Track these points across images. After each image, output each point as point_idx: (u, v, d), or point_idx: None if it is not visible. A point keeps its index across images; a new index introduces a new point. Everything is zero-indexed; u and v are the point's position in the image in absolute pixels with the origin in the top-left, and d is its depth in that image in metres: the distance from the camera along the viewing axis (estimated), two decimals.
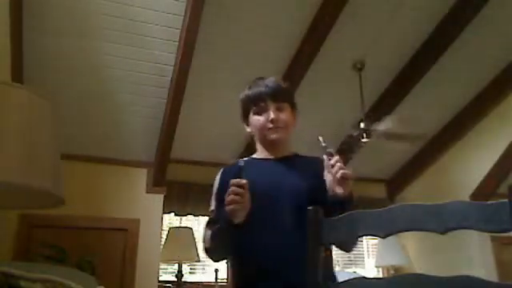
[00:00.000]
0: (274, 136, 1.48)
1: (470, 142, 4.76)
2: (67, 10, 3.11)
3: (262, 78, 1.57)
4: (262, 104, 1.49)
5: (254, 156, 1.59)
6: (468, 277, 0.84)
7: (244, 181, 1.28)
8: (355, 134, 3.93)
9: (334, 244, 1.36)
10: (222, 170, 1.58)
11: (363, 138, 3.87)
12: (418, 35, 3.91)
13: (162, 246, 4.12)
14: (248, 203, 1.31)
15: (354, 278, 1.03)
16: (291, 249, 1.30)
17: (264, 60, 3.82)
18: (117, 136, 4.05)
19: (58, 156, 1.43)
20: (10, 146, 1.26)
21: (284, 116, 1.49)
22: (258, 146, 1.58)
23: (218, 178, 1.57)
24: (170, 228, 4.24)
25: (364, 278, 1.03)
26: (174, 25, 3.29)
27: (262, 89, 1.50)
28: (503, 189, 4.22)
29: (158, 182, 4.26)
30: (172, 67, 3.53)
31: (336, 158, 1.32)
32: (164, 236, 4.20)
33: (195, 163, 4.62)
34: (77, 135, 3.84)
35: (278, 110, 1.49)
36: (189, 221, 4.66)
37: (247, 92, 1.54)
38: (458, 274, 0.86)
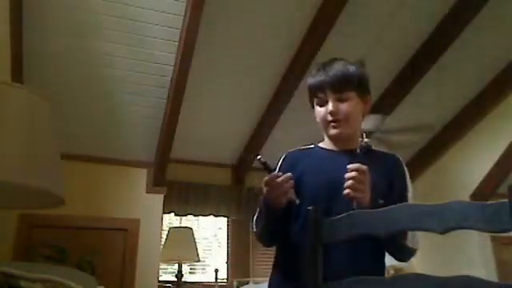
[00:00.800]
0: (333, 131, 1.37)
1: (469, 142, 4.76)
2: (67, 10, 3.11)
3: (326, 63, 1.44)
4: (322, 95, 1.37)
5: (320, 144, 1.48)
6: (468, 277, 0.84)
7: (281, 174, 1.25)
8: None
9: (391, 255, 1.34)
10: (284, 156, 1.49)
11: (363, 137, 3.86)
12: (418, 35, 3.91)
13: (161, 246, 4.12)
14: (287, 193, 1.26)
15: (354, 278, 1.03)
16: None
17: (264, 60, 3.82)
18: (117, 136, 4.04)
19: (58, 156, 1.43)
20: (10, 145, 1.26)
21: (345, 107, 1.35)
22: (325, 136, 1.46)
23: (280, 162, 1.47)
24: (169, 228, 4.24)
25: (363, 277, 1.03)
26: (174, 25, 3.29)
27: (322, 77, 1.38)
28: (503, 189, 4.21)
29: (157, 181, 4.26)
30: (172, 67, 3.53)
31: (353, 166, 1.21)
32: (164, 236, 4.20)
33: (195, 163, 4.63)
34: (77, 135, 3.84)
35: (339, 100, 1.35)
36: (189, 221, 4.66)
37: (310, 80, 1.43)
38: (458, 274, 0.86)
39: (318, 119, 1.41)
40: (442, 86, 4.32)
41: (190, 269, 4.61)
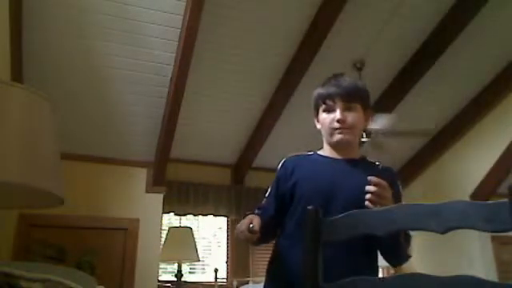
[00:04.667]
0: (338, 137, 1.44)
1: (469, 141, 4.76)
2: (67, 10, 3.11)
3: (336, 76, 1.52)
4: (331, 103, 1.45)
5: (319, 152, 1.55)
6: (468, 277, 0.84)
7: (256, 228, 1.35)
8: None
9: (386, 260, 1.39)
10: (282, 162, 1.56)
11: (363, 137, 3.86)
12: (418, 35, 3.91)
13: (161, 246, 4.12)
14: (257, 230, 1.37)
15: (354, 278, 1.03)
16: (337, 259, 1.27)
17: (264, 60, 3.82)
18: (117, 136, 4.04)
19: (58, 156, 1.43)
20: (10, 145, 1.26)
21: (351, 117, 1.44)
22: (325, 144, 1.53)
23: (278, 167, 1.55)
24: (169, 228, 4.24)
25: (363, 277, 1.03)
26: (174, 24, 3.29)
27: (333, 87, 1.46)
28: (503, 189, 4.23)
29: (157, 181, 4.26)
30: (172, 67, 3.53)
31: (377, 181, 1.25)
32: (164, 236, 4.20)
33: (195, 163, 4.63)
34: (77, 135, 3.84)
35: (347, 110, 1.44)
36: (188, 220, 4.66)
37: (320, 89, 1.50)
38: (458, 274, 0.86)
39: (321, 125, 1.48)
40: (442, 85, 4.32)
41: (190, 268, 4.61)
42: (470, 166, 4.69)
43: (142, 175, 4.26)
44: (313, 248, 1.09)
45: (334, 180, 1.41)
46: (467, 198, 4.39)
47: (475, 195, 4.48)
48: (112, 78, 3.60)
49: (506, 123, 4.36)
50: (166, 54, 3.48)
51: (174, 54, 3.45)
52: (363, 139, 3.90)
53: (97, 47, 3.36)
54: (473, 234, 4.26)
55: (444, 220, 0.89)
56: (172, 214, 4.54)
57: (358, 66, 4.01)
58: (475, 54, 4.08)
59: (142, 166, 4.26)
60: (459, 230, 0.88)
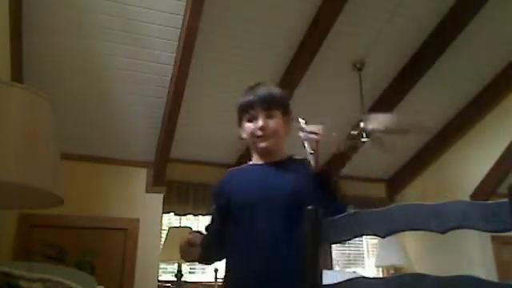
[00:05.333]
0: (262, 144, 1.51)
1: (469, 141, 4.76)
2: (67, 9, 3.11)
3: (255, 86, 1.60)
4: (253, 112, 1.52)
5: (251, 162, 1.63)
6: (468, 277, 0.84)
7: (195, 240, 1.48)
8: (355, 133, 3.93)
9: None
10: (220, 180, 1.67)
11: (363, 137, 3.86)
12: (418, 35, 3.91)
13: (161, 246, 4.12)
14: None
15: (354, 278, 1.03)
16: (275, 255, 1.37)
17: (264, 60, 3.82)
18: (117, 136, 4.05)
19: (58, 156, 1.43)
20: (10, 145, 1.26)
21: (273, 123, 1.51)
22: (253, 152, 1.62)
23: (217, 185, 1.66)
24: (169, 228, 4.24)
25: (364, 277, 1.03)
26: (174, 24, 3.29)
27: (252, 97, 1.54)
28: (503, 189, 4.22)
29: (157, 181, 4.26)
30: (172, 67, 3.53)
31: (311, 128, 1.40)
32: (164, 236, 4.20)
33: (195, 163, 4.63)
34: (77, 135, 3.84)
35: (268, 117, 1.51)
36: (188, 220, 4.65)
37: (240, 100, 1.58)
38: (458, 274, 0.86)
39: (246, 135, 1.56)
40: (442, 85, 4.32)
41: (190, 268, 4.61)
42: (469, 166, 4.69)
43: (141, 175, 4.26)
44: (313, 248, 1.09)
45: (264, 184, 1.49)
46: (467, 198, 4.39)
47: (475, 195, 4.48)
48: (112, 78, 3.60)
49: (506, 123, 4.36)
50: (166, 54, 3.48)
51: (174, 54, 3.45)
52: (363, 139, 3.90)
53: (97, 47, 3.36)
54: (473, 234, 4.26)
55: (444, 220, 0.89)
56: (172, 213, 4.54)
57: (358, 66, 4.01)
58: (475, 54, 4.08)
59: (141, 166, 4.26)
60: (459, 230, 0.88)
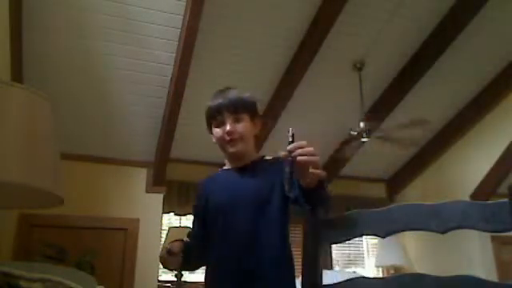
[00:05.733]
0: (231, 149, 1.52)
1: (469, 141, 4.76)
2: (67, 10, 3.11)
3: (222, 91, 1.61)
4: (220, 117, 1.53)
5: (224, 167, 1.65)
6: (468, 277, 0.84)
7: (175, 250, 1.47)
8: (355, 133, 3.94)
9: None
10: (199, 185, 1.69)
11: (363, 137, 3.87)
12: (418, 35, 3.91)
13: (161, 246, 4.12)
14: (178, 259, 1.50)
15: (354, 278, 1.03)
16: (248, 260, 1.38)
17: (264, 60, 3.82)
18: (117, 136, 4.04)
19: (58, 156, 1.43)
20: (10, 145, 1.26)
21: (241, 127, 1.51)
22: (225, 157, 1.63)
23: (196, 198, 1.69)
24: (169, 228, 4.24)
25: (364, 277, 1.03)
26: (174, 24, 3.29)
27: (220, 101, 1.54)
28: (503, 189, 4.22)
29: (157, 181, 4.26)
30: (172, 67, 3.53)
31: (294, 144, 1.17)
32: (164, 236, 4.20)
33: (195, 163, 4.62)
34: (77, 135, 3.84)
35: (236, 121, 1.51)
36: (188, 220, 4.65)
37: (208, 104, 1.58)
38: (458, 274, 0.86)
39: (215, 140, 1.56)
40: (442, 85, 4.32)
41: None
42: (469, 166, 4.69)
43: (141, 175, 4.26)
44: (313, 248, 1.09)
45: (235, 187, 1.51)
46: (467, 198, 4.38)
47: (475, 195, 4.48)
48: (112, 78, 3.60)
49: (506, 123, 4.36)
50: (166, 54, 3.48)
51: (174, 54, 3.45)
52: (363, 139, 3.90)
53: (97, 47, 3.36)
54: (473, 234, 4.26)
55: (444, 220, 0.90)
56: (172, 213, 4.54)
57: (358, 66, 4.01)
58: (475, 54, 4.08)
59: (142, 166, 4.26)
60: (459, 230, 0.89)
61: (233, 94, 1.57)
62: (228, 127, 1.50)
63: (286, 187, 1.14)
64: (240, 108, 1.53)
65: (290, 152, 1.13)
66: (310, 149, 1.14)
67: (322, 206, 1.30)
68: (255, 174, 1.50)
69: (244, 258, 1.38)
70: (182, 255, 1.50)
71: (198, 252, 1.55)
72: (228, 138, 1.50)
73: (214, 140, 1.59)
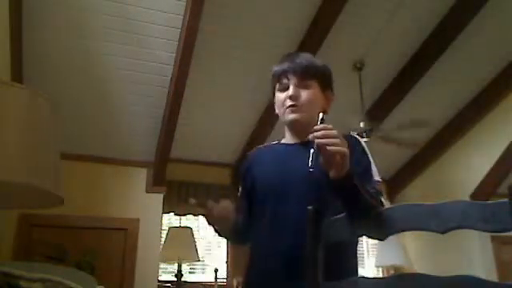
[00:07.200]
0: (290, 116, 1.32)
1: (469, 141, 4.76)
2: (67, 9, 3.11)
3: (292, 53, 1.43)
4: (285, 80, 1.34)
5: (282, 140, 1.45)
6: (468, 277, 0.84)
7: (226, 204, 1.27)
8: (355, 133, 3.94)
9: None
10: (246, 156, 1.52)
11: (363, 137, 3.87)
12: (418, 35, 3.91)
13: (161, 246, 4.12)
14: (228, 218, 1.29)
15: (354, 278, 1.03)
16: (295, 248, 1.20)
17: (264, 60, 3.82)
18: (117, 136, 4.05)
19: (58, 156, 1.43)
20: (10, 145, 1.26)
21: (306, 94, 1.31)
22: (285, 132, 1.43)
23: (243, 166, 1.50)
24: (169, 228, 4.24)
25: (364, 277, 1.03)
26: (174, 24, 3.29)
27: (287, 63, 1.35)
28: (503, 189, 4.22)
29: (157, 181, 4.26)
30: (172, 67, 3.53)
31: (321, 126, 1.03)
32: (164, 236, 4.20)
33: (195, 163, 4.63)
34: (77, 135, 3.84)
35: (302, 87, 1.32)
36: (188, 220, 4.65)
37: (274, 67, 1.40)
38: (458, 274, 0.86)
39: (276, 106, 1.38)
40: (442, 85, 4.32)
41: (190, 268, 4.61)
42: (470, 166, 4.69)
43: (141, 175, 4.26)
44: (313, 248, 1.09)
45: (284, 168, 1.31)
46: (467, 198, 4.38)
47: (475, 195, 4.47)
48: (112, 78, 3.60)
49: (505, 123, 4.36)
50: (166, 54, 3.48)
51: (174, 54, 3.45)
52: (363, 139, 3.90)
53: (97, 47, 3.36)
54: (473, 234, 4.26)
55: (444, 220, 0.90)
56: (172, 213, 4.54)
57: (358, 66, 4.01)
58: (475, 54, 4.08)
59: (142, 166, 4.26)
60: (459, 230, 0.88)
61: (303, 58, 1.37)
62: (291, 91, 1.30)
63: (309, 163, 1.02)
64: (309, 73, 1.33)
65: (316, 132, 1.02)
66: (333, 132, 1.02)
67: (356, 207, 1.08)
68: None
69: (294, 247, 1.19)
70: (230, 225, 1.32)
71: (245, 231, 1.38)
72: (290, 102, 1.30)
73: (276, 110, 1.38)
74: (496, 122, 4.49)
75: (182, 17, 3.23)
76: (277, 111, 1.39)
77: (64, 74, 3.49)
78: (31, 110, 1.35)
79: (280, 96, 1.35)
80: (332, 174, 1.03)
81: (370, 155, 1.35)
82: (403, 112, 4.33)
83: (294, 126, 1.35)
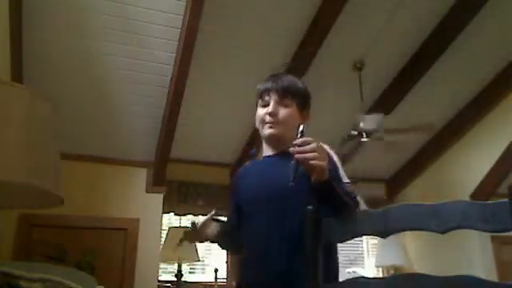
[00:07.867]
0: (268, 131, 1.43)
1: (469, 141, 4.76)
2: (67, 9, 3.11)
3: (277, 74, 1.52)
4: (267, 97, 1.45)
5: (263, 154, 1.55)
6: (468, 277, 0.84)
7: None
8: (355, 133, 3.93)
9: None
10: (234, 178, 1.68)
11: (363, 137, 3.86)
12: (418, 35, 3.91)
13: (161, 246, 4.12)
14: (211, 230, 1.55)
15: (354, 278, 1.03)
16: (278, 261, 1.32)
17: (264, 60, 3.82)
18: (117, 136, 4.04)
19: (58, 156, 1.43)
20: (10, 145, 1.26)
21: (284, 112, 1.42)
22: (263, 143, 1.54)
23: (232, 183, 1.69)
24: (169, 228, 4.24)
25: (364, 277, 1.03)
26: (174, 24, 3.29)
27: (271, 82, 1.46)
28: (503, 189, 4.22)
29: (157, 181, 4.26)
30: (172, 67, 3.53)
31: (301, 140, 1.16)
32: (164, 236, 4.20)
33: (195, 163, 4.63)
34: (77, 135, 3.84)
35: (282, 105, 1.42)
36: (188, 220, 4.65)
37: (258, 85, 1.51)
38: (458, 274, 0.86)
39: (256, 120, 1.49)
40: (442, 85, 4.32)
41: (190, 268, 4.61)
42: (470, 166, 4.69)
43: (141, 175, 4.26)
44: (313, 248, 1.09)
45: (262, 178, 1.45)
46: (467, 198, 4.38)
47: (475, 195, 4.47)
48: (112, 78, 3.60)
49: (505, 123, 4.36)
50: (166, 54, 3.48)
51: (174, 54, 3.45)
52: (363, 139, 3.90)
53: (97, 47, 3.36)
54: (473, 234, 4.26)
55: (444, 220, 0.90)
56: (172, 213, 4.54)
57: (358, 66, 4.00)
58: (475, 54, 4.08)
59: (142, 166, 4.26)
60: (459, 230, 0.88)
61: (286, 79, 1.47)
62: (271, 108, 1.41)
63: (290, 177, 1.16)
64: (290, 93, 1.44)
65: (296, 146, 1.15)
66: (312, 146, 1.14)
67: (336, 204, 1.20)
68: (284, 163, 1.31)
69: (275, 260, 1.31)
70: (219, 236, 1.50)
71: (233, 241, 1.54)
72: (268, 119, 1.41)
73: (256, 121, 1.49)
74: (496, 122, 4.49)
75: (181, 17, 3.23)
76: (256, 125, 1.50)
77: (64, 74, 3.49)
78: (31, 110, 1.35)
79: (260, 112, 1.46)
80: (314, 178, 1.17)
81: (337, 161, 1.46)
82: (403, 112, 4.33)
83: (270, 140, 1.47)
